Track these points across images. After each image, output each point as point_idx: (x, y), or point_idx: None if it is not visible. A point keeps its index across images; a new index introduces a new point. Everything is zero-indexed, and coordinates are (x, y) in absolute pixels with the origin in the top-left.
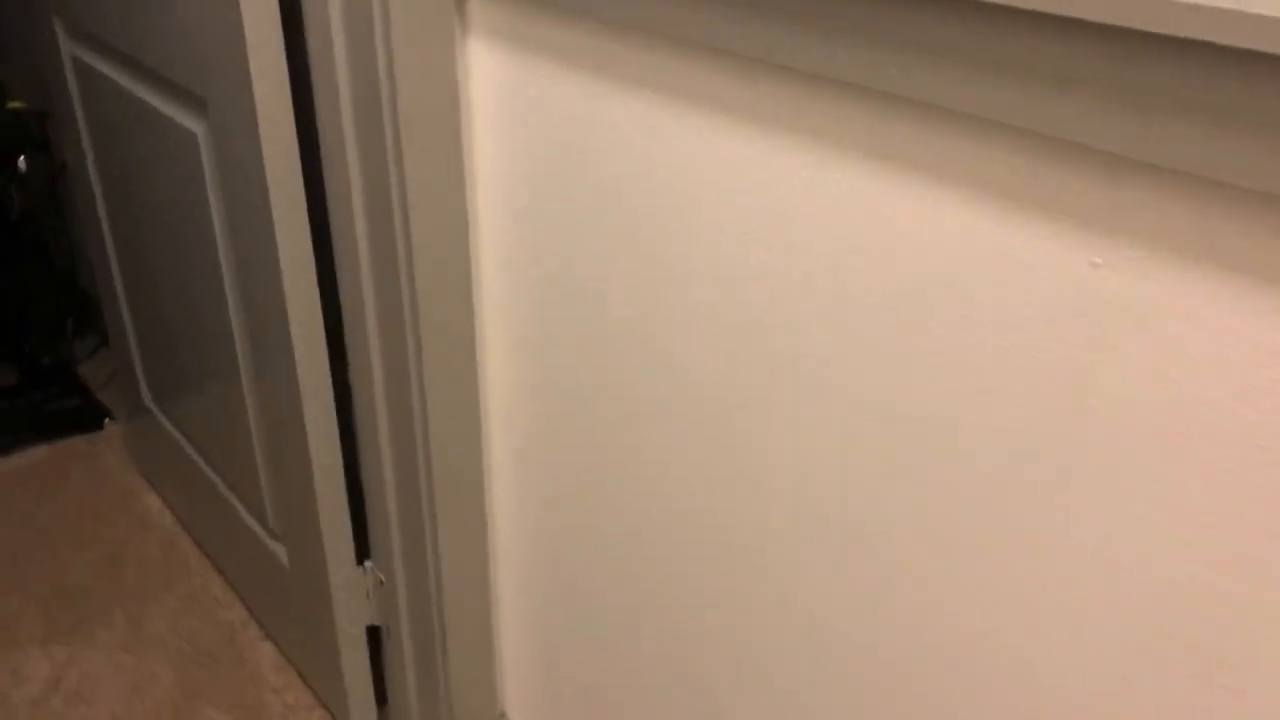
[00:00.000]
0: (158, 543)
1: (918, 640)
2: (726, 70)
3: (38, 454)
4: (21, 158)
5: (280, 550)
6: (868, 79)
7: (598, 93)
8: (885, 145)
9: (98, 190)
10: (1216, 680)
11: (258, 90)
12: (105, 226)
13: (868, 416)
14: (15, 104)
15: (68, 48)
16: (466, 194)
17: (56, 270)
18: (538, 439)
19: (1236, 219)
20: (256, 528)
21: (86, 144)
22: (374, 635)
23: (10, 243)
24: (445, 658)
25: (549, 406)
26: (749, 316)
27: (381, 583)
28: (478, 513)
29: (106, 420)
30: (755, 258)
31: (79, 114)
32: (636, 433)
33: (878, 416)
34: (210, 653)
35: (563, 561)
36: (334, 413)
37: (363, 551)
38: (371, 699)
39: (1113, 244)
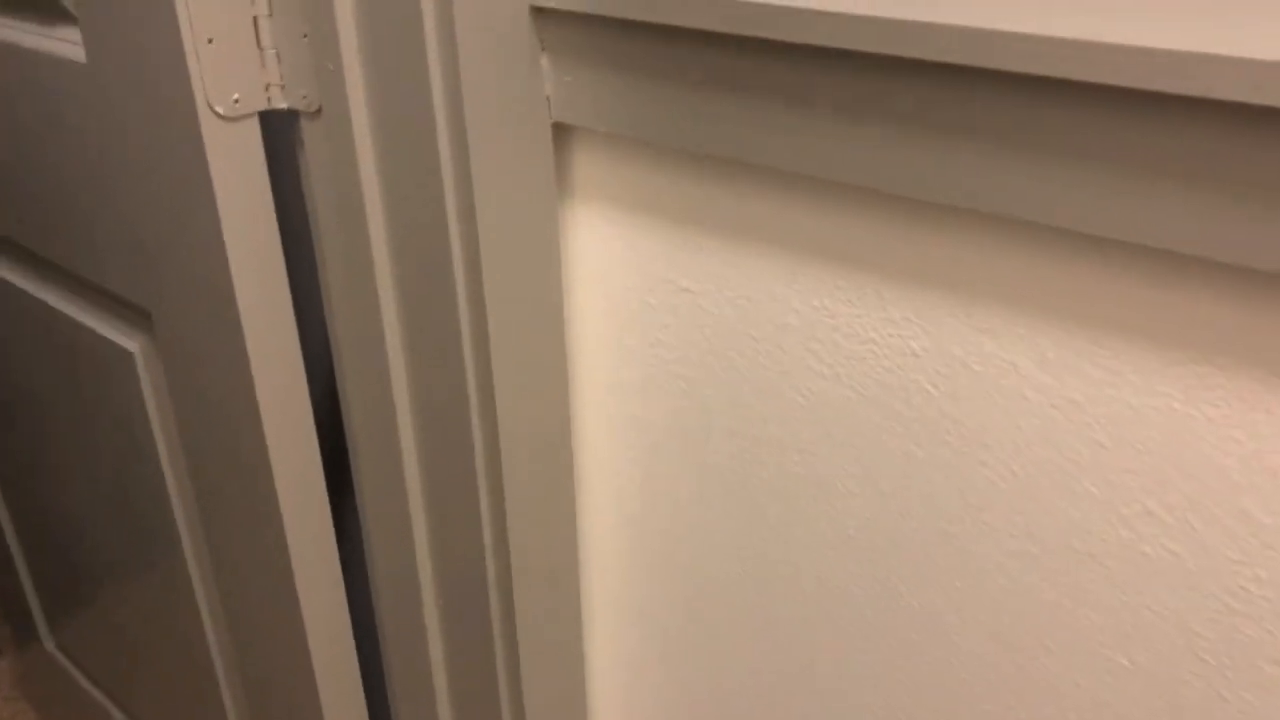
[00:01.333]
0: None
1: None
2: (1003, 242)
3: None
4: None
5: None
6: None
7: (780, 279)
8: None
9: None
10: None
11: (247, 319)
12: None
13: None
14: None
15: None
16: (573, 426)
17: None
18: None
19: None
20: None
21: None
22: None
23: None
24: None
25: (680, 689)
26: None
27: None
28: None
29: None
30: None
31: None
32: None
33: None
34: None
35: None
36: (364, 699)
37: None
38: None
39: None
